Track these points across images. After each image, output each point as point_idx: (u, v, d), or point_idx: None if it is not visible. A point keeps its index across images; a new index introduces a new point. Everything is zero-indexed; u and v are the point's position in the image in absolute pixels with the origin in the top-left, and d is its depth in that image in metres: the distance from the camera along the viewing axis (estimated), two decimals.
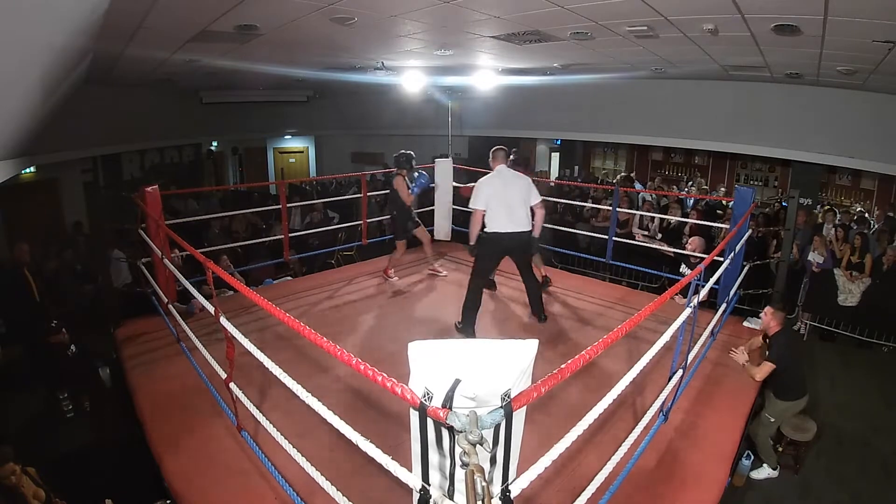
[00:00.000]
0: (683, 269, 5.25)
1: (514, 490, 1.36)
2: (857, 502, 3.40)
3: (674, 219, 6.56)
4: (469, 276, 4.13)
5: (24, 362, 4.33)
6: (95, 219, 8.25)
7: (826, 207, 7.90)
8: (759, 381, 3.44)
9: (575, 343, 3.99)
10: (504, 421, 1.24)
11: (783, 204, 7.87)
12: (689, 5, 3.28)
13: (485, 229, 3.94)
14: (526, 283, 4.32)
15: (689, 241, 5.31)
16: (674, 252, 5.44)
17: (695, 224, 6.02)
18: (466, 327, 4.05)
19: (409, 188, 4.94)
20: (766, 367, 3.41)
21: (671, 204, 7.34)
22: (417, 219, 5.25)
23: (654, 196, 8.34)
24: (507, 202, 3.87)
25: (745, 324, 4.37)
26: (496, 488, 1.34)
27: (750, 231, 4.51)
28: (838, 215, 7.09)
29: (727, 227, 4.86)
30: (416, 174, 5.07)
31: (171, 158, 11.09)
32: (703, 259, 5.19)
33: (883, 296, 5.59)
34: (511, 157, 4.38)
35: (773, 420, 3.51)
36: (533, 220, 4.04)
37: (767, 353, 3.47)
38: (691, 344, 2.88)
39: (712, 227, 6.07)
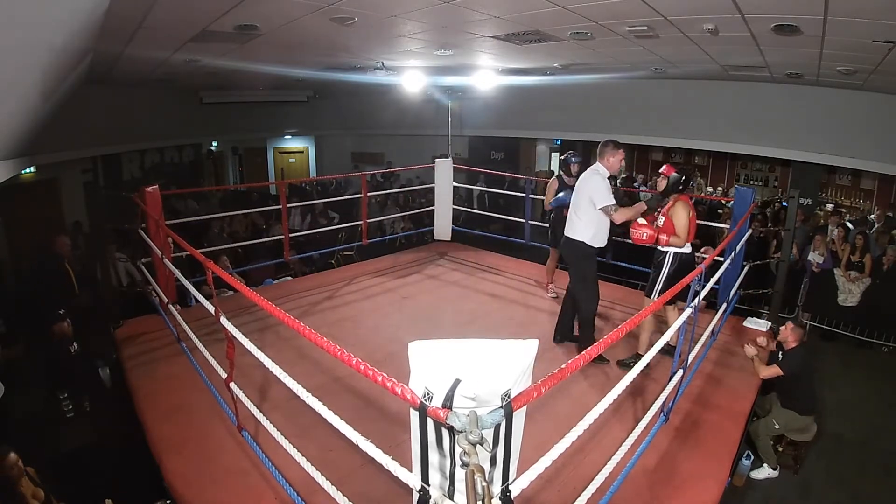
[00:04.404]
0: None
1: (515, 490, 1.36)
2: (857, 502, 3.40)
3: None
4: None
5: (30, 358, 4.30)
6: (95, 219, 8.24)
7: (829, 209, 7.90)
8: (761, 377, 3.46)
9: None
10: (504, 421, 1.24)
11: (783, 204, 7.87)
12: (689, 5, 3.28)
13: None
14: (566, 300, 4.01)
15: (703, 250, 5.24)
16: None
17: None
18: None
19: None
20: (773, 370, 3.45)
21: None
22: None
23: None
24: (571, 204, 3.78)
25: (746, 324, 4.37)
26: (496, 488, 1.34)
27: (750, 231, 4.50)
28: (842, 216, 7.08)
29: (727, 227, 4.85)
30: None
31: (171, 158, 11.08)
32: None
33: (883, 296, 5.60)
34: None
35: (777, 427, 3.53)
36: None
37: (780, 358, 3.49)
38: (692, 344, 2.88)
39: (711, 226, 6.05)
